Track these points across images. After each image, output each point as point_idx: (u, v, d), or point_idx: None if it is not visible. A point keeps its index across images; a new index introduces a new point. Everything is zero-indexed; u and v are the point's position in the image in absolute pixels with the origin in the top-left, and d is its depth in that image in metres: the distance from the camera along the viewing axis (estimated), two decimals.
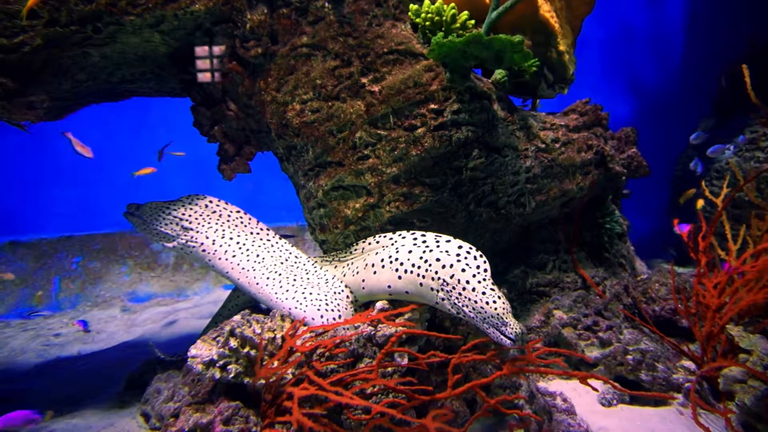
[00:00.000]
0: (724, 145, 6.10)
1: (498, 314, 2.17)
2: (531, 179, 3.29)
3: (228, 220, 3.07)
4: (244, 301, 3.37)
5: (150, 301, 7.06)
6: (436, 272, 2.39)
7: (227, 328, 2.33)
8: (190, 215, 3.04)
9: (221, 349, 2.28)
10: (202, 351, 2.34)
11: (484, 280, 2.28)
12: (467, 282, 2.28)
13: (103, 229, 7.66)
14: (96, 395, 3.41)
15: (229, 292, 3.62)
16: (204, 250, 2.95)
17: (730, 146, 6.21)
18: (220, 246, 2.95)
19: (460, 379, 2.33)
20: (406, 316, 2.53)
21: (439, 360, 2.30)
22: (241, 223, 3.09)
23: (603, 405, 2.80)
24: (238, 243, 2.96)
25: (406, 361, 2.34)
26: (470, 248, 2.44)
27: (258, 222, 3.14)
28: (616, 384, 2.35)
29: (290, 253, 3.04)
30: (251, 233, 3.06)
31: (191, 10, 3.01)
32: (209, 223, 3.03)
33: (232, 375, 2.25)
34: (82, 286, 7.05)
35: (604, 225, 3.88)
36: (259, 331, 2.37)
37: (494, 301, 2.20)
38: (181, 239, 2.99)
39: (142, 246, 7.60)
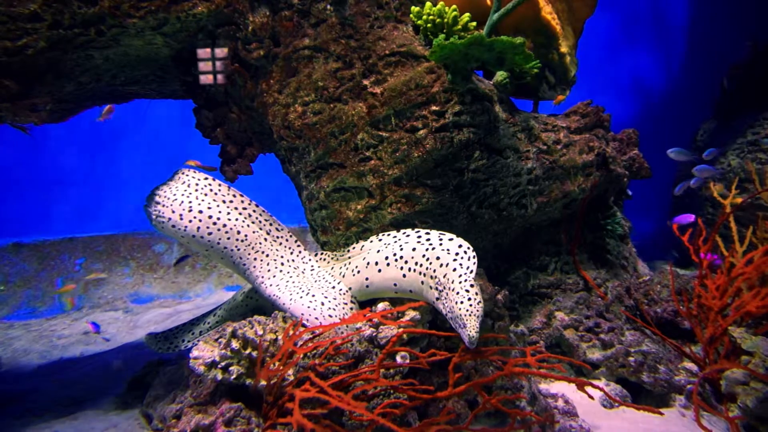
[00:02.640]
0: (711, 167, 6.10)
1: (460, 315, 2.15)
2: (532, 181, 3.29)
3: (196, 190, 2.88)
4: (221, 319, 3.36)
5: (152, 303, 7.07)
6: (434, 271, 2.39)
7: (229, 329, 2.33)
8: (163, 190, 2.88)
9: (223, 351, 2.28)
10: (204, 352, 2.34)
11: (465, 281, 2.26)
12: (452, 281, 2.28)
13: (105, 230, 7.69)
14: (98, 396, 3.41)
15: (230, 294, 3.62)
16: (173, 226, 2.76)
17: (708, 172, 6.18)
18: (190, 222, 2.76)
19: (462, 380, 2.33)
20: (408, 317, 2.53)
21: (441, 358, 2.30)
22: (211, 191, 2.89)
23: (605, 406, 2.80)
24: (210, 217, 2.79)
25: (408, 361, 2.34)
26: (468, 248, 2.44)
27: (230, 188, 2.95)
28: (609, 393, 2.34)
29: (270, 224, 2.94)
30: (224, 202, 2.88)
31: (194, 12, 3.02)
32: (175, 194, 2.83)
33: (233, 376, 2.25)
34: (84, 288, 7.06)
35: (605, 226, 3.88)
36: (260, 332, 2.38)
37: (461, 302, 2.18)
38: (153, 214, 2.83)
39: (145, 248, 7.62)
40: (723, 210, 3.64)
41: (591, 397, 2.30)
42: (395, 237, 2.74)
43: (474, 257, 2.39)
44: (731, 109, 7.08)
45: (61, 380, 3.96)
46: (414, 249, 2.55)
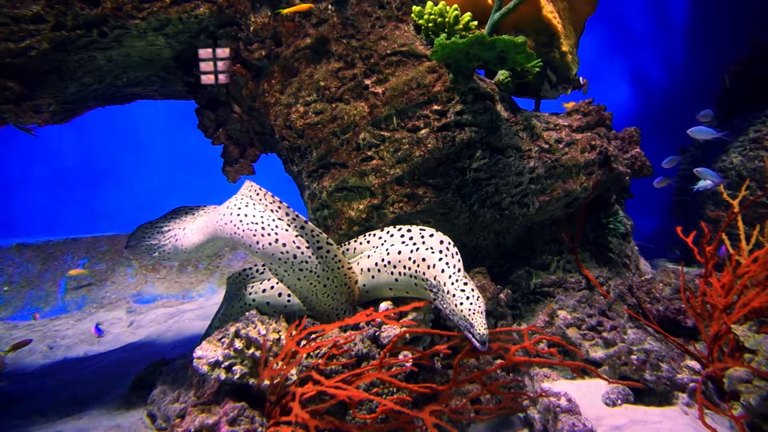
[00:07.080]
0: (709, 128, 6.05)
1: (464, 316, 2.13)
2: (534, 180, 3.29)
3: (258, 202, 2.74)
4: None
5: (155, 303, 7.09)
6: (424, 273, 2.39)
7: (232, 329, 2.34)
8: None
9: (226, 351, 2.29)
10: (207, 352, 2.35)
11: (457, 281, 2.25)
12: (444, 284, 2.27)
13: (108, 231, 7.71)
14: (102, 396, 3.43)
15: None
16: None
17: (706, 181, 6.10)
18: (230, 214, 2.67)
19: (463, 377, 2.34)
20: (411, 317, 2.54)
21: (444, 353, 2.31)
22: (272, 210, 2.68)
23: (607, 405, 2.80)
24: (254, 217, 2.64)
25: (410, 360, 2.35)
26: (449, 242, 2.43)
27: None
28: (619, 381, 2.34)
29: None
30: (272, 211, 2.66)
31: (195, 13, 3.03)
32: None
33: (237, 376, 2.26)
34: (87, 288, 7.08)
35: (607, 225, 3.88)
36: (263, 332, 2.39)
37: (461, 303, 2.16)
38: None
39: None
40: (731, 209, 3.62)
41: (583, 376, 2.28)
42: (380, 238, 2.72)
43: (457, 252, 2.37)
44: (733, 106, 7.05)
45: (64, 380, 3.98)
46: (399, 252, 2.53)
